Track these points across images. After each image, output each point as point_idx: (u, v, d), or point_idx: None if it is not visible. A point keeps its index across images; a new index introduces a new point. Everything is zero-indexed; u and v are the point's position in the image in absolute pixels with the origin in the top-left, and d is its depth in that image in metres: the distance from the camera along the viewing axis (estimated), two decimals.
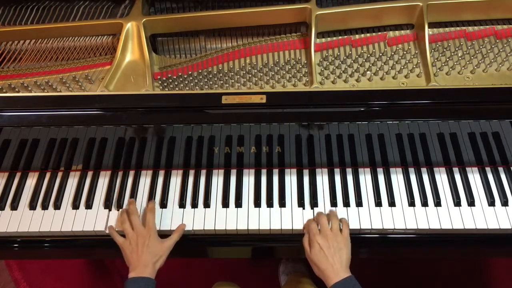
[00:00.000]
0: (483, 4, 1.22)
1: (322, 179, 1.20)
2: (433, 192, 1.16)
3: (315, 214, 1.14)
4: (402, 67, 1.18)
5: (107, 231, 1.14)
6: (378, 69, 1.18)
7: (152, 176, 1.23)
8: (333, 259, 0.99)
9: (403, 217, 1.13)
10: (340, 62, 1.20)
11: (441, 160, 1.19)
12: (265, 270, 1.86)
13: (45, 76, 1.21)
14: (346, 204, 1.16)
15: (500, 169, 1.20)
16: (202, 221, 1.15)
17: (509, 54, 1.19)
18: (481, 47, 1.21)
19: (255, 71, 1.20)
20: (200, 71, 1.22)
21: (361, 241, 1.16)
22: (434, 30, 1.25)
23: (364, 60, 1.20)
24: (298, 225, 1.13)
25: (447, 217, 1.13)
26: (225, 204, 1.17)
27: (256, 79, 1.19)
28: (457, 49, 1.20)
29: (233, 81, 1.17)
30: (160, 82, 1.20)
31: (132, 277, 1.00)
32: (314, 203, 1.16)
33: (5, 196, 1.21)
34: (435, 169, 1.21)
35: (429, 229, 1.12)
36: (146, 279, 0.99)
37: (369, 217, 1.13)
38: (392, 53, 1.21)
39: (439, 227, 1.11)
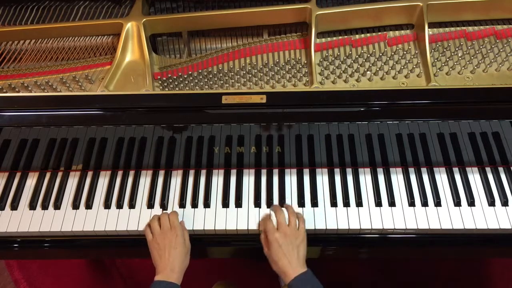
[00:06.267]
0: (483, 4, 1.21)
1: (322, 179, 1.20)
2: (433, 192, 1.16)
3: (315, 213, 1.14)
4: (402, 67, 1.18)
5: (105, 229, 1.14)
6: (378, 69, 1.18)
7: (152, 176, 1.23)
8: (291, 256, 1.00)
9: (403, 217, 1.13)
10: (340, 62, 1.20)
11: (441, 160, 1.19)
12: (265, 270, 1.86)
13: (45, 76, 1.21)
14: (346, 204, 1.16)
15: (500, 169, 1.20)
16: (202, 221, 1.15)
17: (509, 54, 1.19)
18: (481, 47, 1.21)
19: (255, 71, 1.20)
20: (200, 71, 1.22)
21: (361, 241, 1.16)
22: (434, 30, 1.25)
23: (364, 60, 1.20)
24: None
25: (447, 217, 1.13)
26: (225, 204, 1.17)
27: (256, 79, 1.19)
28: (457, 49, 1.20)
29: (233, 81, 1.17)
30: (160, 82, 1.20)
31: (158, 280, 1.00)
32: (314, 203, 1.16)
33: (5, 196, 1.21)
34: (435, 169, 1.21)
35: (429, 229, 1.12)
36: (171, 284, 0.99)
37: (369, 217, 1.14)
38: (392, 53, 1.21)
39: (439, 227, 1.11)
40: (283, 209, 1.11)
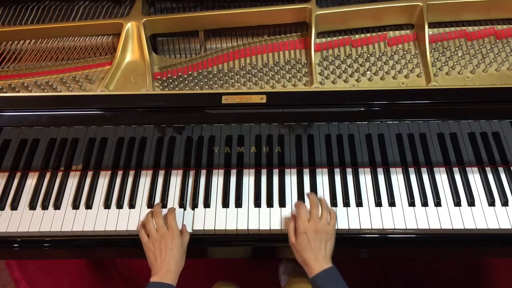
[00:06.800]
0: (483, 4, 1.22)
1: (322, 179, 1.20)
2: (433, 192, 1.16)
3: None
4: (402, 67, 1.18)
5: (105, 229, 1.14)
6: (378, 69, 1.18)
7: (152, 176, 1.23)
8: (318, 251, 1.00)
9: (403, 217, 1.13)
10: (340, 62, 1.20)
11: (441, 160, 1.19)
12: (265, 270, 1.86)
13: (45, 76, 1.21)
14: (346, 204, 1.16)
15: (500, 169, 1.20)
16: (202, 221, 1.15)
17: (509, 54, 1.19)
18: (481, 47, 1.21)
19: (255, 71, 1.20)
20: (200, 71, 1.22)
21: (361, 241, 1.16)
22: (434, 30, 1.25)
23: (364, 60, 1.20)
24: None
25: (447, 217, 1.13)
26: (225, 204, 1.17)
27: (256, 79, 1.19)
28: (457, 49, 1.20)
29: (233, 81, 1.17)
30: (160, 82, 1.20)
31: (153, 282, 1.00)
32: None
33: (5, 196, 1.21)
34: (435, 169, 1.21)
35: (429, 229, 1.12)
36: (167, 285, 0.99)
37: (369, 217, 1.13)
38: (392, 53, 1.21)
39: (439, 227, 1.11)
40: (318, 200, 1.10)
